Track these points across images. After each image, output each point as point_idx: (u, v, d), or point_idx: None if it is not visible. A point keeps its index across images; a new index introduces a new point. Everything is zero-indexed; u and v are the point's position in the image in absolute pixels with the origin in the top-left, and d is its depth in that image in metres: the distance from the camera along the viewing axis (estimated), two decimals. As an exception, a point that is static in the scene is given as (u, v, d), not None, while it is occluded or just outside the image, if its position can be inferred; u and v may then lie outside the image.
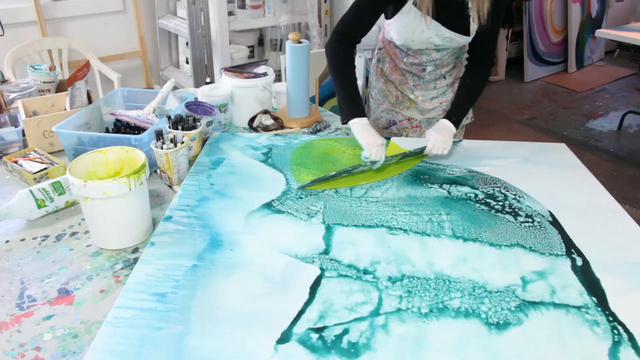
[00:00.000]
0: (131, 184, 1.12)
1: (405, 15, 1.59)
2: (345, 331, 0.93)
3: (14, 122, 1.71)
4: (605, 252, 1.18)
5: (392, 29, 1.68)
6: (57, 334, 0.96)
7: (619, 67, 5.47)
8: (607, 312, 1.01)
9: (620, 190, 3.16)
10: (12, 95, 1.78)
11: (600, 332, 0.96)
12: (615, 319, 0.99)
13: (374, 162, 1.46)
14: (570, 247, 1.20)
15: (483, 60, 1.65)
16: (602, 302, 1.04)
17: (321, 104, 2.82)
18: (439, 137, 1.52)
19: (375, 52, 1.88)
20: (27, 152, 1.56)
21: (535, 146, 1.69)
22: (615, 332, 0.96)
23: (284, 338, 0.91)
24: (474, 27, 1.57)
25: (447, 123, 1.58)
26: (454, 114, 1.61)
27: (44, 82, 1.87)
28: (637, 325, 0.98)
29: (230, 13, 2.64)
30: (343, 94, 1.56)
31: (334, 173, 1.40)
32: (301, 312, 0.97)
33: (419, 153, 1.54)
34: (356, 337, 0.92)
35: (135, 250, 1.19)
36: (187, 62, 2.88)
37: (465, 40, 1.62)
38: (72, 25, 2.94)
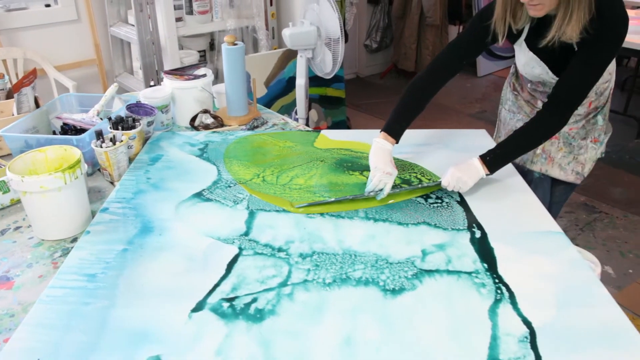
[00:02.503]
0: (66, 178, 1.23)
1: (518, 47, 1.57)
2: (254, 300, 1.05)
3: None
4: (504, 225, 1.31)
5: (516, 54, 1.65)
6: (-2, 316, 1.06)
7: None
8: (494, 276, 1.14)
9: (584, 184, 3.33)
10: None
11: (485, 293, 1.09)
12: (501, 280, 1.13)
13: (377, 192, 1.41)
14: (472, 222, 1.33)
15: (557, 105, 1.43)
16: (492, 267, 1.17)
17: (270, 104, 2.94)
18: (456, 174, 1.42)
19: (513, 64, 1.80)
20: (-24, 156, 1.65)
21: (456, 132, 1.83)
22: (499, 291, 1.09)
23: (198, 307, 1.03)
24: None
25: (475, 162, 1.44)
26: (491, 154, 1.45)
27: (-7, 90, 1.95)
28: (518, 285, 1.11)
29: (179, 19, 2.74)
30: (394, 111, 1.54)
31: (333, 199, 1.38)
32: (216, 286, 1.09)
33: (434, 187, 1.48)
34: (263, 304, 1.04)
35: (74, 240, 1.29)
36: (141, 68, 2.97)
37: None
38: (27, 35, 3.01)
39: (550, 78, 1.57)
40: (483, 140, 1.77)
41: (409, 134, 1.79)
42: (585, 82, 1.42)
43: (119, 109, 1.75)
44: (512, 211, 1.38)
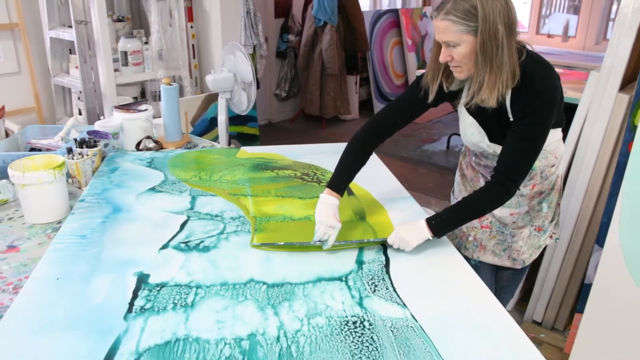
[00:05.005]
0: (55, 174, 1.69)
1: (460, 111, 1.63)
2: (202, 241, 1.55)
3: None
4: (374, 186, 1.89)
5: None
6: (11, 265, 1.48)
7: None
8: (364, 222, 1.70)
9: (443, 192, 4.05)
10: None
11: (357, 234, 1.65)
12: (368, 225, 1.68)
13: (323, 242, 1.50)
14: (350, 193, 1.89)
15: (501, 179, 1.46)
16: (362, 218, 1.73)
17: (197, 138, 3.46)
18: (400, 234, 1.49)
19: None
20: (-40, 175, 2.04)
21: (341, 147, 2.42)
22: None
23: (164, 247, 1.51)
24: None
25: (421, 224, 1.50)
26: (437, 219, 1.50)
27: (-36, 126, 2.35)
28: (378, 224, 1.67)
29: (116, 70, 3.23)
30: (337, 167, 1.65)
31: (282, 243, 1.52)
32: (174, 236, 1.58)
33: (379, 242, 1.56)
34: (208, 243, 1.54)
35: (59, 222, 1.72)
36: (80, 114, 3.40)
37: None
38: (-29, 86, 3.38)
39: (487, 146, 1.60)
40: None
41: (310, 148, 2.36)
42: (524, 156, 1.45)
43: (80, 134, 2.21)
44: (380, 189, 1.95)
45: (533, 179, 1.64)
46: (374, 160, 2.19)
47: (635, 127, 1.82)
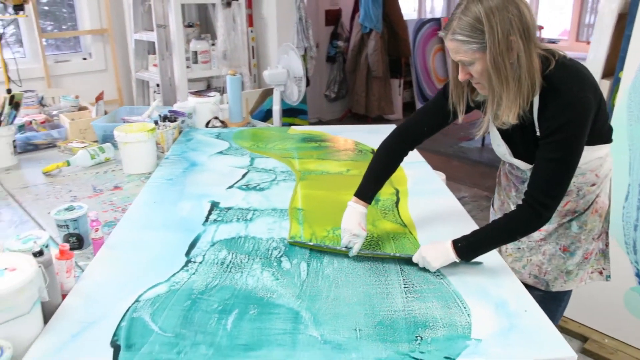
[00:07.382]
0: (149, 135, 2.22)
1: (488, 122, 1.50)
2: (259, 184, 2.04)
3: (55, 127, 2.75)
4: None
5: None
6: (118, 197, 2.01)
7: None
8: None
9: (473, 180, 4.44)
10: (54, 112, 2.85)
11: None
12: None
13: (349, 249, 1.48)
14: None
15: (532, 204, 1.33)
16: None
17: (254, 126, 3.99)
18: (422, 254, 1.39)
19: None
20: (71, 141, 2.62)
21: (373, 127, 2.89)
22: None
23: (230, 187, 2.01)
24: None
25: (447, 246, 1.38)
26: (464, 241, 1.38)
27: (71, 106, 2.95)
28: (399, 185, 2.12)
29: (188, 67, 3.81)
30: (365, 175, 1.60)
31: (312, 244, 1.56)
32: (237, 181, 2.07)
33: (404, 258, 1.48)
34: (263, 186, 2.03)
35: (150, 173, 2.25)
36: (161, 102, 3.98)
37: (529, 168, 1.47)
38: (68, 80, 4.03)
39: (512, 160, 1.56)
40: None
41: (349, 128, 2.82)
42: (555, 179, 1.31)
43: (163, 111, 2.76)
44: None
45: (568, 195, 1.53)
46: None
47: (614, 106, 2.20)
